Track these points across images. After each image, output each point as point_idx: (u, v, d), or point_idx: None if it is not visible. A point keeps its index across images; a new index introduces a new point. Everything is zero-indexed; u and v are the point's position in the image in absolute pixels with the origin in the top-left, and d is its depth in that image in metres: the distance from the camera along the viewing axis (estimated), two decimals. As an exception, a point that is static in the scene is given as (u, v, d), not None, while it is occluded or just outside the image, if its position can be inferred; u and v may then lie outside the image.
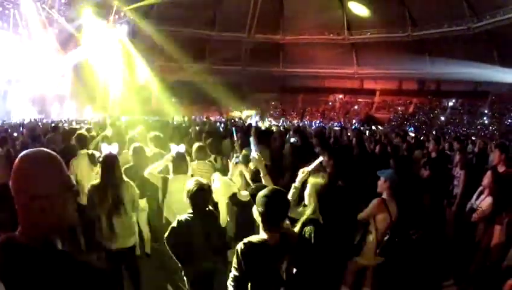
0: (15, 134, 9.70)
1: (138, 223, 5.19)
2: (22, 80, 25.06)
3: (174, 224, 3.35)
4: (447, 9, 25.65)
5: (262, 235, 2.52)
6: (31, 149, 1.42)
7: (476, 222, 4.61)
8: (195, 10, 28.46)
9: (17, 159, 1.36)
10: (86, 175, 5.47)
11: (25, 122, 16.55)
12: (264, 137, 6.94)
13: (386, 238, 4.10)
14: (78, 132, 6.37)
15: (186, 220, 3.32)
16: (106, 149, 4.16)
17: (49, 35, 25.24)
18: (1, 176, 6.33)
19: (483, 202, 4.61)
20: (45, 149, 1.45)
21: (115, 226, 3.97)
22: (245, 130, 9.65)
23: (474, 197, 5.04)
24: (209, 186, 3.56)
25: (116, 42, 27.99)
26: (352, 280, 4.22)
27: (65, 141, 7.09)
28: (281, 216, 2.55)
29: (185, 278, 3.48)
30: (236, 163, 4.29)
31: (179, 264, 3.40)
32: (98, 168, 4.49)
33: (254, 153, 3.77)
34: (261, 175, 3.64)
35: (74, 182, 1.44)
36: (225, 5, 29.73)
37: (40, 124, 15.59)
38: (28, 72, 25.02)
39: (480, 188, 4.97)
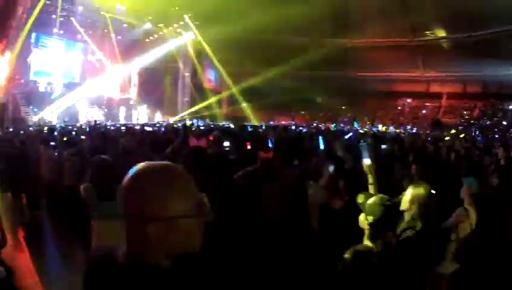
0: (82, 136, 9.67)
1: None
2: (85, 85, 25.92)
3: None
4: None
5: (367, 243, 2.53)
6: (151, 162, 1.23)
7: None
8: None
9: (133, 172, 1.17)
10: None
11: (92, 124, 17.13)
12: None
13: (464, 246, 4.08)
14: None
15: None
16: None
17: (113, 42, 26.51)
18: (71, 178, 6.90)
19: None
20: (169, 163, 1.28)
21: None
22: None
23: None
24: None
25: (183, 48, 28.98)
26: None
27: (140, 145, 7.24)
28: (390, 226, 2.60)
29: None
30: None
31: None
32: None
33: (367, 160, 3.64)
34: (369, 182, 3.53)
35: (208, 205, 1.22)
36: (291, 10, 29.92)
37: (111, 127, 16.11)
38: (91, 77, 26.16)
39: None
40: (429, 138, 13.15)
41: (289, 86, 29.89)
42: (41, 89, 23.76)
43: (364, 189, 3.81)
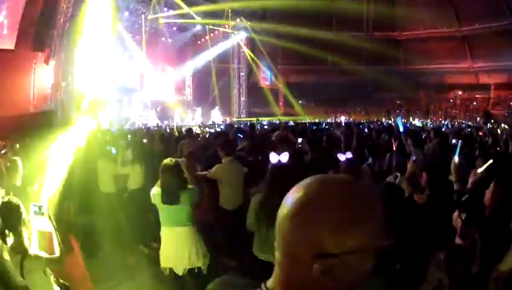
0: (144, 140, 9.62)
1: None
2: (139, 88, 26.73)
3: None
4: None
5: (457, 240, 2.48)
6: (324, 176, 0.96)
7: None
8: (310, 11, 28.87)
9: (302, 192, 0.90)
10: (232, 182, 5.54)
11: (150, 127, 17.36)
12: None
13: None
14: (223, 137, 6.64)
15: None
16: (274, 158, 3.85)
17: (163, 45, 26.97)
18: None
19: None
20: (348, 177, 0.99)
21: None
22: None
23: None
24: None
25: (234, 47, 29.38)
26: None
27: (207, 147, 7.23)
28: (478, 221, 2.49)
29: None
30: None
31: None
32: None
33: (456, 158, 3.69)
34: (454, 180, 3.59)
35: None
36: (340, 4, 29.59)
37: (167, 129, 16.43)
38: (145, 80, 26.70)
39: None
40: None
41: (344, 81, 29.75)
42: (91, 94, 24.36)
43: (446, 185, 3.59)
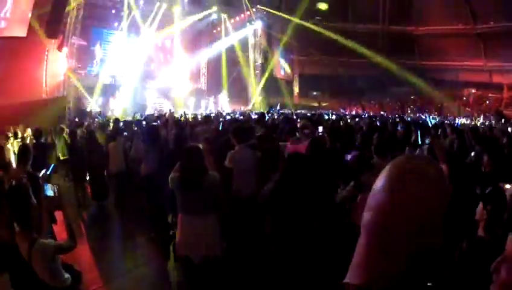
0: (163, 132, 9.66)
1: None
2: (151, 77, 26.74)
3: None
4: None
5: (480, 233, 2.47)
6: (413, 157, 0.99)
7: None
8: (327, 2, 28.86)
9: (402, 171, 0.93)
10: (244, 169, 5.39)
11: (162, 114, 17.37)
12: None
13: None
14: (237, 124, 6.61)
15: None
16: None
17: (178, 33, 26.79)
18: (148, 168, 6.76)
19: None
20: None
21: None
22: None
23: None
24: None
25: (250, 37, 29.29)
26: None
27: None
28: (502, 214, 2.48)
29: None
30: None
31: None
32: None
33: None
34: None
35: None
36: None
37: (184, 117, 16.47)
38: (157, 69, 26.87)
39: None
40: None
41: (358, 74, 29.83)
42: (106, 82, 24.42)
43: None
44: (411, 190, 0.89)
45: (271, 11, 28.11)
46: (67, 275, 3.10)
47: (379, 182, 0.94)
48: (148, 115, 17.50)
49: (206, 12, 26.72)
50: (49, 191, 3.34)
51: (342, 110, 27.99)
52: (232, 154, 5.28)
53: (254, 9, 27.98)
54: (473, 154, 5.77)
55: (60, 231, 3.89)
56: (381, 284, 0.88)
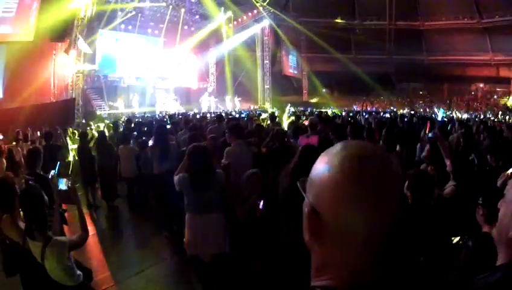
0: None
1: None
2: (161, 77, 27.00)
3: None
4: None
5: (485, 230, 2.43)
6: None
7: None
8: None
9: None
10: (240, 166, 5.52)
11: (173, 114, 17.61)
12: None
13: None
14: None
15: None
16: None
17: (186, 33, 27.07)
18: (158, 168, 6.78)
19: None
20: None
21: None
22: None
23: None
24: None
25: (258, 35, 29.38)
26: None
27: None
28: None
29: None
30: None
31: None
32: None
33: None
34: None
35: None
36: None
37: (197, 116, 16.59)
38: (166, 69, 26.94)
39: None
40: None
41: (367, 71, 29.64)
42: (113, 83, 24.61)
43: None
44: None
45: (276, 12, 28.21)
46: (79, 272, 3.12)
47: None
48: (158, 115, 17.60)
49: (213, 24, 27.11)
50: (63, 185, 3.42)
51: (354, 107, 28.12)
52: (228, 151, 5.30)
53: (261, 8, 28.05)
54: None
55: (70, 233, 3.95)
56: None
